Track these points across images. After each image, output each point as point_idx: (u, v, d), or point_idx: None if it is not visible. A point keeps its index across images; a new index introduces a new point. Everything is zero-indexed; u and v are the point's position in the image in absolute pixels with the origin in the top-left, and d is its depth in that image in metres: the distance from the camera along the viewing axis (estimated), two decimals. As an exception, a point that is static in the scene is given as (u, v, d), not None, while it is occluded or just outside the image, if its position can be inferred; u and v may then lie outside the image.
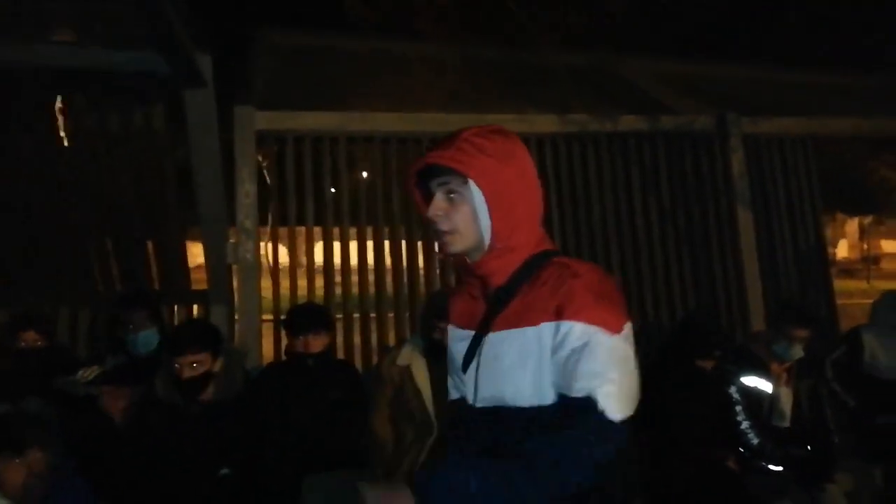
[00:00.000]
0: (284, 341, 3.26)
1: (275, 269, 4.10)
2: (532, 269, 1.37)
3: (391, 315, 4.14)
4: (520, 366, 1.32)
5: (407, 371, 2.98)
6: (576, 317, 1.27)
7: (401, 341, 3.51)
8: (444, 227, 1.37)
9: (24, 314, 3.12)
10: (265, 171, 4.16)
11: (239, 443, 2.70)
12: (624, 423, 1.23)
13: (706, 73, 6.16)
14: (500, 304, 1.38)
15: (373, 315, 4.08)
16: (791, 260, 4.62)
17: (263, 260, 4.08)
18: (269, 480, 2.82)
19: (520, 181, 1.37)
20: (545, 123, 4.35)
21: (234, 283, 3.90)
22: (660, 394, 2.86)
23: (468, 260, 1.42)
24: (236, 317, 3.85)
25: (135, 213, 3.97)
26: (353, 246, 4.09)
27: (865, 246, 25.96)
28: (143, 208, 3.98)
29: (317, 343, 3.05)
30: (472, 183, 1.33)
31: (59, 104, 3.74)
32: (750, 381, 3.13)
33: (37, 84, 3.54)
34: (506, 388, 1.33)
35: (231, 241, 3.75)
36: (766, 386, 3.14)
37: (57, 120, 3.74)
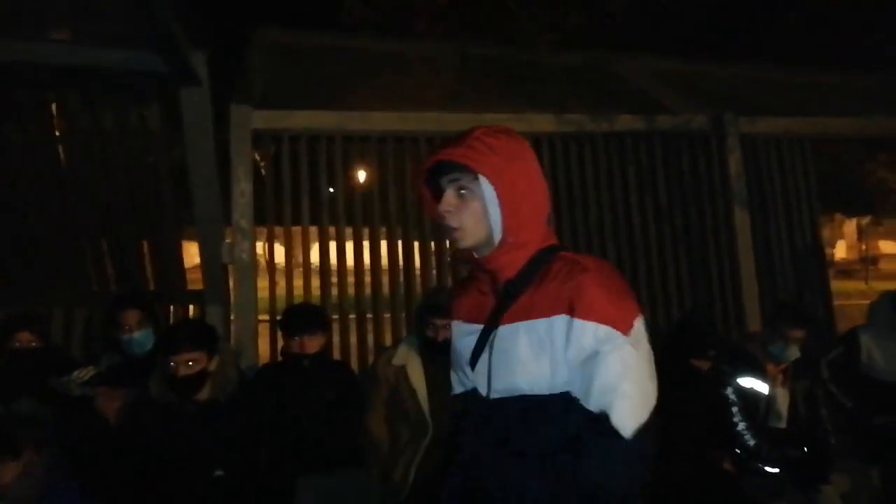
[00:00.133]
0: (281, 342, 3.25)
1: (271, 269, 4.08)
2: (540, 263, 1.43)
3: (387, 315, 4.13)
4: (534, 356, 1.37)
5: (402, 371, 2.98)
6: (588, 316, 1.33)
7: (396, 341, 3.51)
8: (453, 223, 1.42)
9: (18, 314, 3.10)
10: (262, 171, 4.14)
11: (234, 443, 2.69)
12: (639, 430, 1.31)
13: (703, 72, 6.15)
14: (510, 298, 1.43)
15: (369, 316, 4.07)
16: (788, 260, 4.62)
17: (260, 260, 4.06)
18: (264, 481, 2.81)
19: (528, 179, 1.42)
20: (542, 123, 4.34)
21: (230, 283, 3.89)
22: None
23: (476, 255, 1.47)
24: (232, 317, 3.84)
25: (130, 213, 3.96)
26: (350, 246, 4.08)
27: (863, 247, 25.98)
28: (139, 208, 3.96)
29: (312, 343, 3.04)
30: (482, 180, 1.38)
31: (54, 103, 3.72)
32: (746, 382, 3.12)
33: (32, 82, 3.53)
34: (521, 378, 1.39)
35: (227, 240, 3.74)
36: (762, 387, 3.13)
37: (52, 119, 3.73)
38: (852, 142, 8.72)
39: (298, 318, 3.12)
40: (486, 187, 1.39)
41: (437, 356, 2.97)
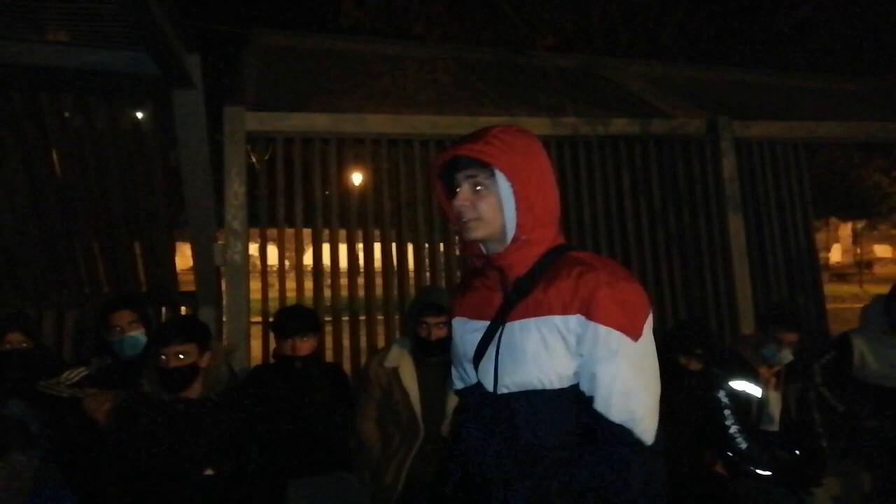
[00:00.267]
0: (273, 344, 3.24)
1: (263, 271, 4.07)
2: (550, 261, 1.46)
3: (381, 318, 4.12)
4: (545, 353, 1.39)
5: (394, 373, 2.97)
6: (601, 319, 1.35)
7: (388, 343, 3.50)
8: (470, 214, 1.44)
9: (9, 315, 3.09)
10: (257, 171, 4.13)
11: (224, 442, 2.67)
12: (657, 431, 1.37)
13: (698, 76, 6.18)
14: (520, 294, 1.45)
15: (362, 318, 4.06)
16: (781, 263, 4.62)
17: (252, 261, 4.05)
18: (255, 483, 2.80)
19: (543, 178, 1.47)
20: (537, 126, 4.34)
21: (223, 285, 3.87)
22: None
23: (485, 251, 1.51)
24: (224, 319, 3.83)
25: (123, 215, 3.94)
26: (343, 248, 4.08)
27: (858, 250, 26.08)
28: (131, 210, 3.95)
29: (305, 346, 3.04)
30: (499, 176, 1.42)
31: (46, 105, 3.71)
32: (738, 385, 3.12)
33: (23, 84, 3.51)
34: (532, 373, 1.40)
35: (219, 242, 3.73)
36: (754, 390, 3.13)
37: (45, 121, 3.71)
38: (846, 146, 8.75)
39: (291, 320, 3.11)
40: (503, 184, 1.42)
41: (430, 357, 2.97)
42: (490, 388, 1.47)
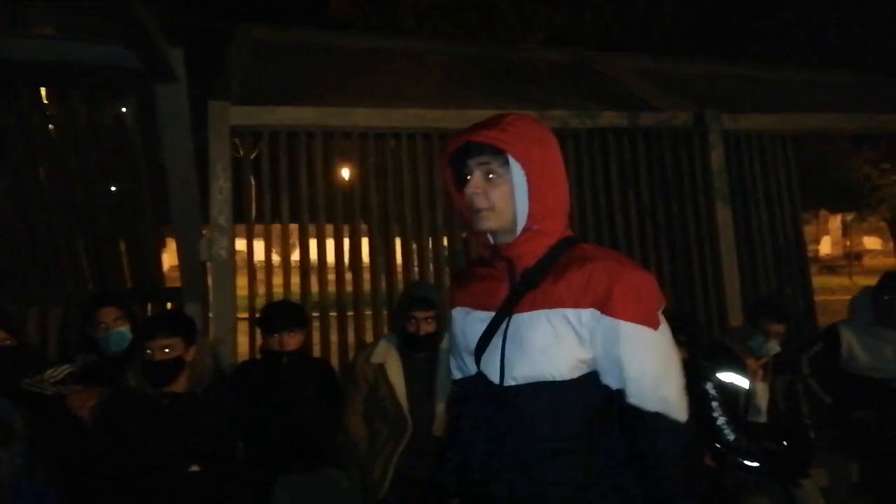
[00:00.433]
0: (260, 339, 3.23)
1: (250, 267, 4.04)
2: (560, 253, 1.44)
3: (368, 313, 4.11)
4: (556, 344, 1.38)
5: (381, 369, 2.96)
6: (621, 315, 1.36)
7: (375, 338, 3.48)
8: (482, 203, 1.42)
9: (-9, 313, 3.06)
10: (243, 166, 4.10)
11: (210, 438, 2.65)
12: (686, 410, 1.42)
13: (686, 69, 6.17)
14: (528, 286, 1.43)
15: (350, 313, 4.04)
16: (769, 255, 4.63)
17: (238, 257, 4.02)
18: (242, 478, 2.78)
19: (556, 169, 1.45)
20: (525, 119, 4.32)
21: (209, 281, 3.85)
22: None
23: (492, 241, 1.48)
24: (211, 315, 3.80)
25: (106, 211, 3.91)
26: (330, 243, 4.05)
27: (848, 242, 26.24)
28: (116, 206, 3.91)
29: (292, 341, 3.02)
30: (513, 164, 1.40)
31: (28, 99, 3.66)
32: (726, 376, 3.12)
33: (5, 78, 3.47)
34: (542, 365, 1.39)
35: (205, 237, 3.70)
36: (742, 381, 3.13)
37: (27, 115, 3.67)
38: (834, 138, 8.78)
39: (277, 315, 3.09)
40: (517, 172, 1.40)
41: (417, 352, 2.96)
42: (495, 379, 1.45)
